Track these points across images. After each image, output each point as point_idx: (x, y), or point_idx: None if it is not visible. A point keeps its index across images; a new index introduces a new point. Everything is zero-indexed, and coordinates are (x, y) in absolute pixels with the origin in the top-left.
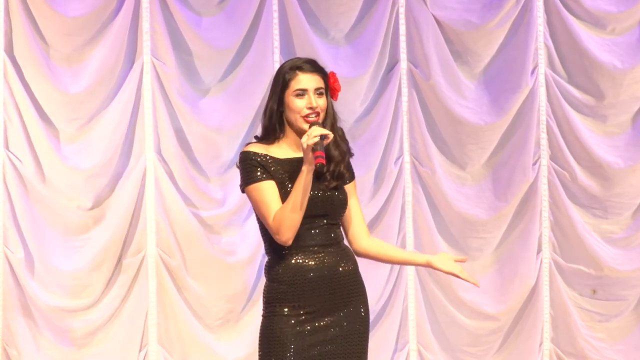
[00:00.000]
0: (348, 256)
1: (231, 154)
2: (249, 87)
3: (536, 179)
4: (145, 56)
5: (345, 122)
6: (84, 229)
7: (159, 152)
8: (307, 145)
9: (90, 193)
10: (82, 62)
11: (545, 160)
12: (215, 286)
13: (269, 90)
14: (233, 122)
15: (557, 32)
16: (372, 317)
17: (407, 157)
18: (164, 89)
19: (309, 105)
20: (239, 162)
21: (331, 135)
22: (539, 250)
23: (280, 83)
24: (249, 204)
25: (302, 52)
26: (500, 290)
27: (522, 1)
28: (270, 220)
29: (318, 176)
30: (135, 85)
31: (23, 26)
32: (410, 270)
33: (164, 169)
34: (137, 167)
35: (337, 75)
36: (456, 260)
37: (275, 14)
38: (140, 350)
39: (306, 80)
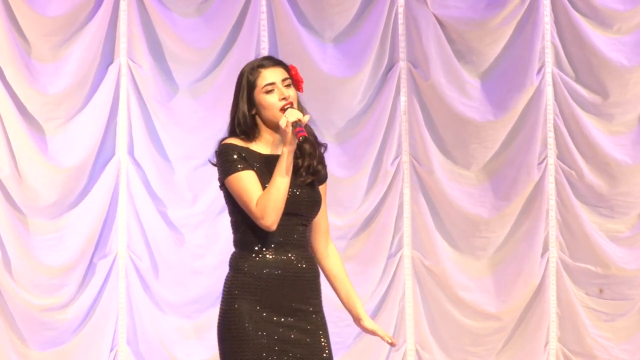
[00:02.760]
0: (312, 260)
1: (207, 155)
2: (229, 88)
3: (543, 178)
4: (122, 58)
5: (339, 121)
6: (60, 229)
7: (131, 154)
8: (287, 124)
9: (68, 193)
10: (60, 62)
11: (552, 160)
12: (183, 288)
13: (234, 96)
14: (208, 124)
15: (564, 30)
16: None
17: (405, 157)
18: (138, 90)
19: (282, 97)
20: (218, 155)
21: (307, 118)
22: (546, 250)
23: (246, 85)
24: (220, 204)
25: (292, 52)
26: (503, 290)
27: (528, 1)
28: (254, 205)
29: (294, 172)
30: (112, 87)
31: (3, 25)
32: (407, 270)
33: (136, 171)
34: (111, 168)
35: (331, 75)
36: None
37: (264, 15)
38: (111, 350)
39: (271, 75)
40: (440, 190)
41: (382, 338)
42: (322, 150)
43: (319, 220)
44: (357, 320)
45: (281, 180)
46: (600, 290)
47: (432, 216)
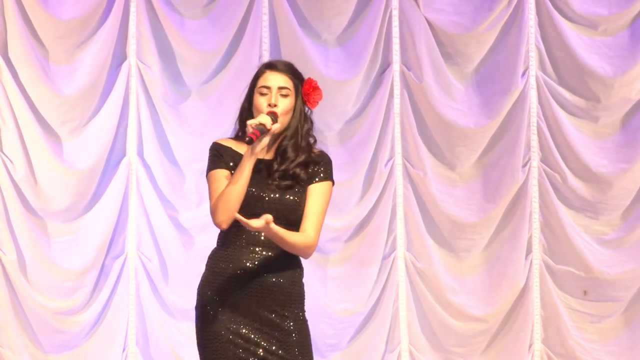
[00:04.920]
0: (290, 264)
1: None
2: (234, 91)
3: (526, 180)
4: (131, 59)
5: (336, 124)
6: (74, 231)
7: (141, 156)
8: (248, 125)
9: (81, 195)
10: (74, 64)
11: (535, 162)
12: (190, 290)
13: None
14: (216, 125)
15: (549, 34)
16: (361, 317)
17: (398, 159)
18: (148, 92)
19: (269, 102)
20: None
21: (276, 127)
22: (529, 252)
23: (252, 81)
24: None
25: (292, 55)
26: (489, 292)
27: (514, 4)
28: (212, 203)
29: (268, 174)
30: (123, 88)
31: (18, 27)
32: (401, 272)
33: (145, 172)
34: (122, 169)
35: (330, 78)
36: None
37: (265, 17)
38: (123, 351)
39: (272, 79)
40: (430, 192)
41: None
42: (312, 156)
43: (306, 212)
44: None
45: (237, 180)
46: (585, 292)
47: (424, 218)
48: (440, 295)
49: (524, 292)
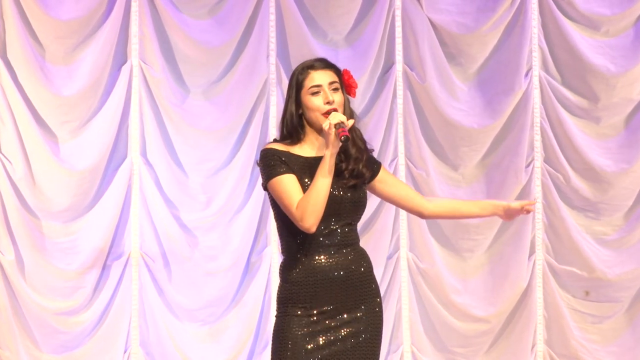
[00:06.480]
0: (362, 257)
1: (220, 157)
2: (240, 91)
3: (530, 181)
4: (133, 59)
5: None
6: (74, 231)
7: (144, 156)
8: (330, 126)
9: (82, 196)
10: (73, 65)
11: (539, 163)
12: (196, 290)
13: (286, 95)
14: (221, 125)
15: (552, 34)
16: None
17: (401, 159)
18: (151, 92)
19: (327, 100)
20: (260, 160)
21: (351, 122)
22: (532, 252)
23: (295, 85)
24: (234, 207)
25: (299, 55)
26: (492, 292)
27: (516, 4)
28: (294, 208)
29: (337, 174)
30: (125, 88)
31: (17, 28)
32: (404, 272)
33: (149, 173)
34: (124, 170)
35: None
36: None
37: (272, 17)
38: (124, 352)
39: (319, 77)
40: (433, 192)
41: (527, 207)
42: (370, 153)
43: (404, 193)
44: (504, 208)
45: (322, 183)
46: (587, 293)
47: None
48: (443, 295)
49: (527, 292)
